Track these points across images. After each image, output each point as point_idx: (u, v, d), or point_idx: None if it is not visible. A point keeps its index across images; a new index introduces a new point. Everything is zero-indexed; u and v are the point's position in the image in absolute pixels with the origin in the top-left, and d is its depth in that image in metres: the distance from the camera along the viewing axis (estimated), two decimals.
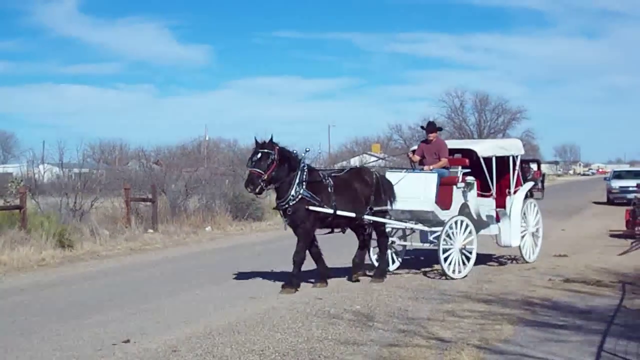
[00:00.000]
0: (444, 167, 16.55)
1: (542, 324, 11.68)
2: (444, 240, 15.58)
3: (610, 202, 43.79)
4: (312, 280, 15.49)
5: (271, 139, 14.33)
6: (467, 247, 16.29)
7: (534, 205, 18.96)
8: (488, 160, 17.44)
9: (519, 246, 18.07)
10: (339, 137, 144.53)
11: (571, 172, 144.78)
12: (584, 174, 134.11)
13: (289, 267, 14.83)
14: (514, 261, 18.58)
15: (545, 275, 16.48)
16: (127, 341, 10.74)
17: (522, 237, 18.06)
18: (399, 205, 15.88)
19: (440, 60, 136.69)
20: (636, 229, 24.28)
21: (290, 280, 14.32)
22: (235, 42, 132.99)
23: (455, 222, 15.87)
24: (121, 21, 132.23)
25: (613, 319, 12.07)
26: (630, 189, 37.62)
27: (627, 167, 56.09)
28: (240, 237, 28.96)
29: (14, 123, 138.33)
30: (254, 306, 13.23)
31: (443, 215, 15.97)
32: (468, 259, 16.30)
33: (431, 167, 16.45)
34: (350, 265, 16.20)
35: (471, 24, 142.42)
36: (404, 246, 17.69)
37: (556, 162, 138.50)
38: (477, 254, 17.27)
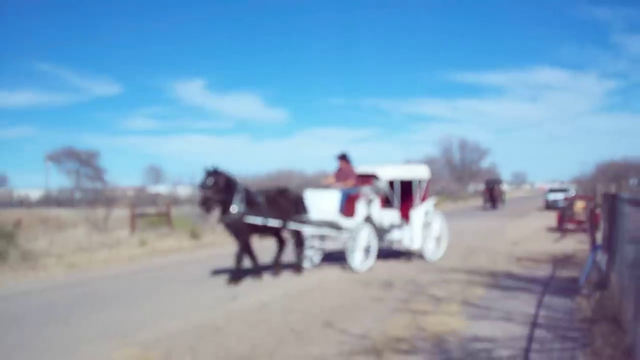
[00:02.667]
0: (353, 186, 14.73)
1: (503, 287, 11.58)
2: (351, 242, 14.01)
3: (547, 208, 43.18)
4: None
5: (214, 168, 12.49)
6: (369, 247, 14.43)
7: (439, 217, 16.69)
8: (393, 181, 15.77)
9: (421, 248, 15.77)
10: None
11: (522, 189, 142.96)
12: (530, 190, 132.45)
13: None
14: (420, 257, 15.90)
15: (505, 256, 16.28)
16: (234, 298, 10.82)
17: (426, 241, 15.87)
18: (315, 215, 14.27)
19: (436, 117, 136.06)
20: (563, 226, 24.03)
21: (234, 275, 12.35)
22: (302, 105, 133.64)
23: (359, 228, 14.21)
24: (230, 93, 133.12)
25: (548, 284, 11.97)
26: (559, 200, 37.45)
27: (557, 186, 55.63)
28: None
29: (161, 159, 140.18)
30: (314, 277, 13.21)
31: (348, 223, 14.33)
32: (369, 254, 14.43)
33: (339, 185, 14.80)
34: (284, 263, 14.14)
35: (456, 93, 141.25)
36: (322, 248, 15.49)
37: (512, 183, 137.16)
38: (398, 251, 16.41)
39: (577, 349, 7.23)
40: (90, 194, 32.01)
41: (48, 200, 51.19)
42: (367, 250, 14.42)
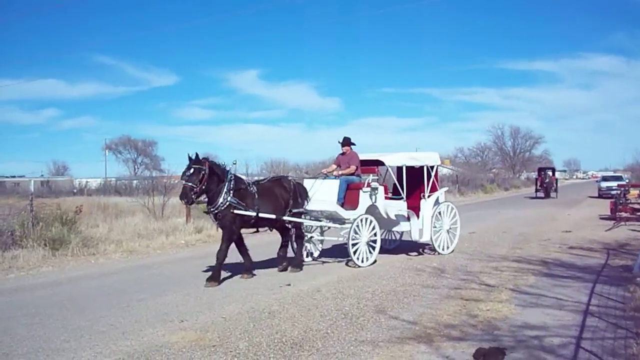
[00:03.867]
0: (356, 175, 13.64)
1: (554, 275, 11.48)
2: (353, 234, 12.72)
3: (600, 196, 42.31)
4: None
5: (197, 155, 11.40)
6: (372, 239, 13.22)
7: (451, 208, 15.27)
8: (400, 168, 14.65)
9: (432, 241, 14.54)
10: None
11: (574, 177, 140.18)
12: (582, 179, 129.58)
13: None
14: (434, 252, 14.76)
15: (556, 244, 16.10)
16: (289, 285, 10.94)
17: (437, 233, 14.63)
18: (313, 206, 13.22)
19: (488, 105, 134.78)
20: (617, 214, 23.54)
21: (213, 275, 11.15)
22: (354, 94, 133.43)
23: (362, 220, 12.96)
24: (284, 83, 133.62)
25: (601, 272, 11.81)
26: (613, 188, 36.51)
27: (611, 174, 54.27)
28: None
29: (217, 149, 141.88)
30: (365, 263, 13.15)
31: (349, 214, 13.17)
32: (373, 248, 13.26)
33: (340, 172, 13.53)
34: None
35: (508, 81, 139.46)
36: (322, 240, 14.34)
37: (564, 171, 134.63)
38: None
39: (630, 338, 7.14)
40: (147, 182, 32.58)
41: (107, 188, 52.43)
42: (370, 244, 13.22)
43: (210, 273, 11.33)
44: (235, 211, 11.52)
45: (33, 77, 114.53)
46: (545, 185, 46.77)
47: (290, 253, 12.96)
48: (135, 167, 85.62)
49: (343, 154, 13.92)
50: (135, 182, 50.76)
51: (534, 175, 54.57)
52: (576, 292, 9.85)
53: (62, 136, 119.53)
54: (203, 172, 11.21)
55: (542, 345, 6.92)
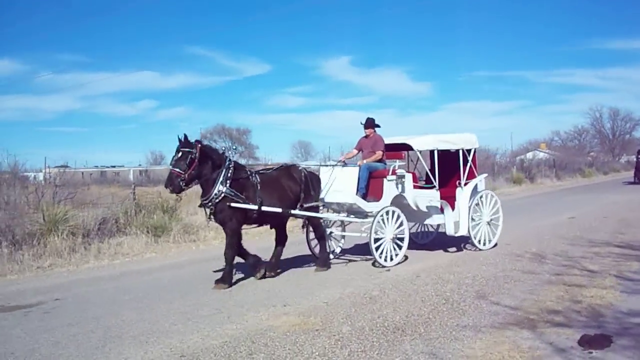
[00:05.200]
0: (380, 161, 12.07)
1: None
2: (375, 230, 11.23)
3: None
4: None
5: (185, 137, 9.96)
6: (399, 236, 11.70)
7: (492, 197, 13.45)
8: (432, 153, 12.81)
9: (471, 235, 12.77)
10: (518, 140, 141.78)
11: None
12: None
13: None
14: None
15: None
16: (388, 270, 10.98)
17: (476, 227, 12.91)
18: (331, 198, 11.82)
19: (584, 87, 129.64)
20: None
21: (223, 277, 10.00)
22: (447, 79, 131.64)
23: (386, 213, 11.44)
24: (374, 70, 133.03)
25: None
26: None
27: None
28: None
29: (310, 136, 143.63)
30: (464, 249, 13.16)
31: (371, 206, 11.64)
32: (400, 247, 11.73)
33: (363, 160, 12.00)
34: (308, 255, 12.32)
35: (605, 62, 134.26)
36: (343, 235, 12.88)
37: None
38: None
39: None
40: None
41: None
42: (396, 241, 11.71)
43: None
44: (233, 204, 10.09)
45: (130, 70, 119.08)
46: None
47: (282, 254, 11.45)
48: (231, 155, 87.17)
49: (366, 137, 12.40)
50: None
51: (634, 158, 50.47)
52: None
53: (158, 126, 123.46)
54: (192, 156, 9.86)
55: None
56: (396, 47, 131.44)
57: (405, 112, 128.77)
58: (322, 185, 11.76)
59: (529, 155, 66.18)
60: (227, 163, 10.23)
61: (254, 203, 10.26)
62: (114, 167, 77.82)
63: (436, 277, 10.22)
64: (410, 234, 12.61)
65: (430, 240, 14.40)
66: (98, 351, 6.68)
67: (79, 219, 14.96)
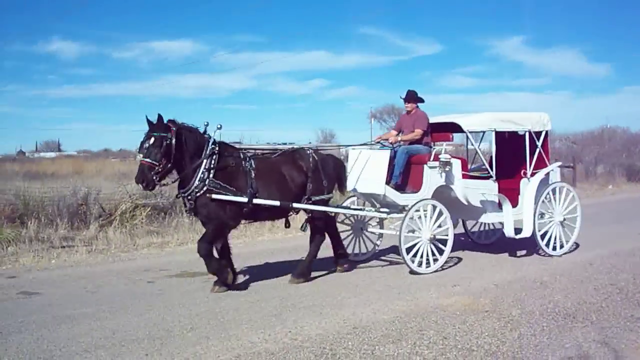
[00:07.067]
0: (425, 144, 10.01)
1: None
2: (407, 228, 9.19)
3: None
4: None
5: (159, 118, 7.95)
6: (439, 236, 9.59)
7: (567, 191, 10.90)
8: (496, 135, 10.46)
9: (537, 237, 10.47)
10: None
11: None
12: None
13: None
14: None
15: None
16: (560, 256, 10.74)
17: (545, 227, 10.69)
18: (360, 187, 9.80)
19: None
20: None
21: (219, 278, 8.45)
22: (628, 59, 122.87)
23: (424, 207, 9.36)
24: (550, 49, 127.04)
25: None
26: None
27: None
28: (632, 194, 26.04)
29: None
30: None
31: (404, 199, 9.54)
32: (441, 251, 9.64)
33: (399, 138, 10.02)
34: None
35: None
36: (381, 233, 10.90)
37: None
38: None
39: None
40: None
41: None
42: (436, 243, 9.63)
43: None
44: (215, 196, 8.16)
45: (302, 50, 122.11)
46: None
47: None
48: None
49: (408, 113, 10.39)
50: None
51: None
52: None
53: (329, 105, 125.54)
54: (167, 141, 7.94)
55: None
56: (572, 26, 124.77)
57: (581, 94, 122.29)
58: (349, 171, 10.01)
59: None
60: (211, 148, 8.30)
61: (245, 194, 8.34)
62: (284, 144, 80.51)
63: (610, 265, 9.91)
64: (469, 232, 11.95)
65: (494, 240, 12.28)
66: (275, 318, 7.15)
67: None
